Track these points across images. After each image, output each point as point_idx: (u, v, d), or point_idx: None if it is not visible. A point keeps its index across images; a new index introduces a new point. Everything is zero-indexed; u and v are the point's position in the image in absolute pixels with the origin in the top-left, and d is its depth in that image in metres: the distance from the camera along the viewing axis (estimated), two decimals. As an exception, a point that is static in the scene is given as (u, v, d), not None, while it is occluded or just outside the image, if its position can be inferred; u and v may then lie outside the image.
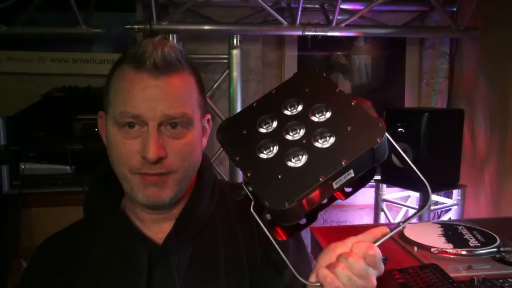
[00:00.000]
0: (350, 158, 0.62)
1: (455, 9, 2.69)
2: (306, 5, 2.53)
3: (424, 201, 0.69)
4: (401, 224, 0.72)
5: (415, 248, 1.41)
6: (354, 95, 0.69)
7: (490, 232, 1.50)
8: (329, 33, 2.44)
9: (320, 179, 0.62)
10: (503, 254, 1.33)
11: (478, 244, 1.41)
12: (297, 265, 0.71)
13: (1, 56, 2.64)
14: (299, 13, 2.36)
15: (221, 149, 2.52)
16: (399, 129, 2.19)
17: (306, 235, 1.56)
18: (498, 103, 2.37)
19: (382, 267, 0.66)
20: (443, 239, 1.47)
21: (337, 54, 2.91)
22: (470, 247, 1.40)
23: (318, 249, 1.57)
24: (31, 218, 2.21)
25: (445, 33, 2.70)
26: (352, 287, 0.64)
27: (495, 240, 1.42)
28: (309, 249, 1.65)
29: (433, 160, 2.14)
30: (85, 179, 2.10)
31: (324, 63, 2.91)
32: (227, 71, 2.51)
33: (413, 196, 2.61)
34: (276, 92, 0.74)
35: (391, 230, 0.68)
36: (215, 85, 2.58)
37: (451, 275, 1.19)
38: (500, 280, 1.17)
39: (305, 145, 0.66)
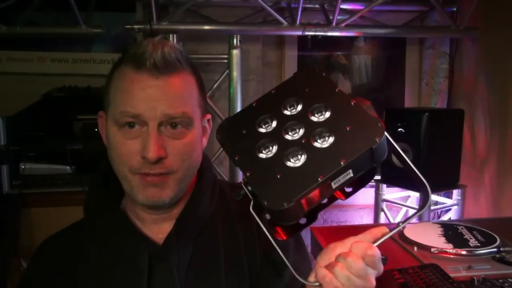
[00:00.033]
0: (349, 158, 0.62)
1: (455, 9, 2.69)
2: (306, 5, 2.53)
3: (424, 201, 0.69)
4: (400, 224, 0.72)
5: (415, 248, 1.41)
6: (354, 95, 0.69)
7: (490, 232, 1.50)
8: (329, 33, 2.44)
9: (319, 179, 0.62)
10: (503, 254, 1.33)
11: (478, 244, 1.41)
12: (297, 265, 0.71)
13: (1, 56, 2.65)
14: (299, 13, 2.36)
15: (221, 149, 2.52)
16: (399, 129, 2.19)
17: (306, 235, 1.57)
18: (498, 103, 2.37)
19: (381, 267, 0.66)
20: (443, 239, 1.47)
21: (337, 54, 2.92)
22: (470, 247, 1.40)
23: (318, 249, 1.57)
24: (31, 218, 2.21)
25: (445, 33, 2.70)
26: (351, 287, 0.63)
27: (495, 240, 1.42)
28: (309, 249, 1.65)
29: (433, 160, 2.14)
30: (85, 179, 2.10)
31: (324, 63, 2.91)
32: (227, 71, 2.51)
33: (413, 196, 2.61)
34: (275, 92, 0.74)
35: (391, 230, 0.68)
36: (215, 85, 2.58)
37: (451, 275, 1.19)
38: (500, 280, 1.17)
39: (304, 145, 0.66)
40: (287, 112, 0.70)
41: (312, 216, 0.72)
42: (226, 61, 2.50)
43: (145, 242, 0.84)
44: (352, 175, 0.63)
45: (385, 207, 2.51)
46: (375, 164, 0.65)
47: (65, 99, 2.44)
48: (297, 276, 0.67)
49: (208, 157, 0.95)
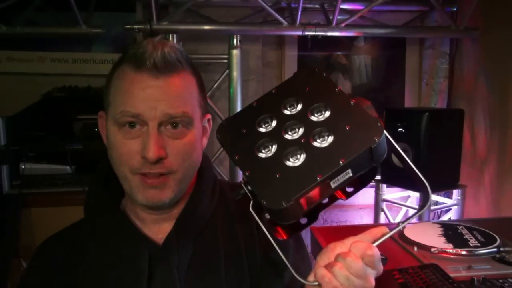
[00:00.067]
0: (348, 157, 0.62)
1: (455, 9, 2.69)
2: (306, 5, 2.53)
3: (424, 201, 0.69)
4: (400, 224, 0.72)
5: (415, 248, 1.41)
6: (354, 95, 0.69)
7: (490, 232, 1.50)
8: (329, 33, 2.44)
9: (318, 178, 0.62)
10: (503, 254, 1.33)
11: (478, 244, 1.41)
12: (296, 265, 0.71)
13: (1, 56, 2.65)
14: (299, 13, 2.36)
15: (221, 149, 2.52)
16: (399, 129, 2.19)
17: (306, 235, 1.56)
18: (498, 103, 2.37)
19: (380, 267, 0.66)
20: (443, 239, 1.47)
21: (337, 54, 2.92)
22: (470, 247, 1.40)
23: (318, 249, 1.57)
24: (31, 218, 2.22)
25: (445, 33, 2.70)
26: (350, 287, 0.63)
27: (495, 240, 1.42)
28: (309, 249, 1.65)
29: (433, 160, 2.14)
30: (85, 179, 2.10)
31: (324, 63, 2.91)
32: (227, 71, 2.51)
33: (413, 196, 2.61)
34: (276, 92, 0.74)
35: (391, 230, 0.68)
36: (215, 85, 2.58)
37: (451, 275, 1.19)
38: (500, 280, 1.17)
39: (303, 145, 0.66)
40: (287, 112, 0.70)
41: (312, 216, 0.72)
42: (226, 61, 2.50)
43: (145, 242, 0.84)
44: (351, 174, 0.63)
45: (385, 207, 2.51)
46: (374, 164, 0.65)
47: (65, 99, 2.44)
48: (297, 276, 0.67)
49: (208, 157, 0.95)
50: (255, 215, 0.68)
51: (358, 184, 0.71)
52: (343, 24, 2.44)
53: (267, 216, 0.67)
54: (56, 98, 2.43)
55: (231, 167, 2.57)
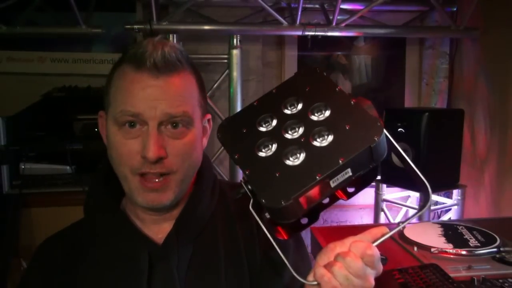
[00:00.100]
0: (347, 156, 0.62)
1: (455, 9, 2.69)
2: (306, 5, 2.53)
3: (424, 201, 0.69)
4: (400, 224, 0.72)
5: (415, 248, 1.41)
6: (354, 95, 0.69)
7: (490, 232, 1.50)
8: (329, 33, 2.44)
9: (317, 177, 0.62)
10: (503, 254, 1.33)
11: (478, 244, 1.41)
12: (296, 264, 0.71)
13: (1, 56, 2.65)
14: (299, 13, 2.36)
15: (221, 149, 2.52)
16: (399, 129, 2.19)
17: (306, 235, 1.57)
18: (498, 103, 2.37)
19: (380, 267, 0.66)
20: (443, 239, 1.47)
21: (337, 54, 2.92)
22: (470, 247, 1.40)
23: (318, 249, 1.57)
24: (31, 218, 2.21)
25: (445, 33, 2.70)
26: (349, 287, 0.63)
27: (495, 240, 1.42)
28: (309, 249, 1.65)
29: (433, 160, 2.14)
30: (85, 179, 2.10)
31: (324, 63, 2.91)
32: (227, 71, 2.51)
33: (413, 196, 2.61)
34: (276, 91, 0.74)
35: (391, 230, 0.68)
36: (215, 85, 2.58)
37: (451, 275, 1.19)
38: (500, 280, 1.17)
39: (303, 144, 0.66)
40: (287, 111, 0.70)
41: (313, 216, 0.72)
42: (226, 61, 2.50)
43: (145, 242, 0.84)
44: (350, 174, 0.63)
45: (385, 207, 2.51)
46: (374, 164, 0.65)
47: (65, 99, 2.44)
48: (296, 275, 0.67)
49: (208, 157, 0.95)
50: (255, 214, 0.68)
51: (359, 184, 0.71)
52: (343, 24, 2.44)
53: (267, 215, 0.67)
54: (56, 98, 2.43)
55: (231, 167, 2.58)
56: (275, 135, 0.68)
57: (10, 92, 2.59)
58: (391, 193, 2.53)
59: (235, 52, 2.46)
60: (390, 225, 2.10)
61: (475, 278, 1.18)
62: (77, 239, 0.88)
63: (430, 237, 1.49)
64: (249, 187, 0.67)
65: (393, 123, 2.20)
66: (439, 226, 1.60)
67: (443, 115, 2.33)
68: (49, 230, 0.93)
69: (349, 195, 0.73)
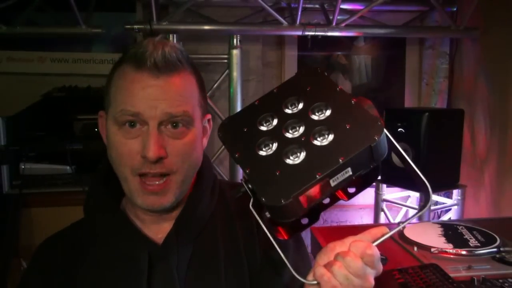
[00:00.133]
0: (347, 156, 0.62)
1: (455, 9, 2.69)
2: (306, 5, 2.53)
3: (425, 200, 0.69)
4: (401, 224, 0.72)
5: (415, 248, 1.41)
6: (354, 95, 0.69)
7: (490, 232, 1.50)
8: (329, 33, 2.44)
9: (317, 176, 0.62)
10: (503, 254, 1.33)
11: (478, 244, 1.41)
12: (296, 264, 0.71)
13: (1, 56, 2.65)
14: (299, 13, 2.36)
15: (221, 149, 2.52)
16: (399, 129, 2.19)
17: (306, 235, 1.57)
18: (498, 103, 2.37)
19: (380, 267, 0.66)
20: (443, 239, 1.47)
21: (337, 54, 2.92)
22: (470, 247, 1.40)
23: (318, 249, 1.57)
24: (31, 218, 2.21)
25: (445, 33, 2.70)
26: (349, 286, 0.63)
27: (495, 240, 1.42)
28: (309, 249, 1.65)
29: (433, 160, 2.15)
30: (85, 179, 2.10)
31: (324, 63, 2.91)
32: (227, 71, 2.51)
33: (413, 196, 2.61)
34: (277, 91, 0.74)
35: (391, 230, 0.68)
36: (215, 85, 2.58)
37: (451, 275, 1.19)
38: (500, 280, 1.17)
39: (303, 143, 0.66)
40: (288, 111, 0.70)
41: (314, 216, 0.72)
42: (226, 61, 2.50)
43: (145, 242, 0.84)
44: (351, 173, 0.63)
45: (385, 207, 2.51)
46: (375, 163, 0.65)
47: (65, 99, 2.44)
48: (296, 275, 0.67)
49: (208, 157, 0.95)
50: (255, 213, 0.68)
51: (360, 184, 0.71)
52: (343, 24, 2.44)
53: (267, 214, 0.67)
54: (56, 98, 2.43)
55: (231, 167, 2.58)
56: (276, 134, 0.68)
57: (10, 92, 2.59)
58: (391, 193, 2.53)
59: (235, 52, 2.46)
60: (390, 225, 2.10)
61: (475, 278, 1.18)
62: (77, 239, 0.88)
63: (430, 237, 1.49)
64: (250, 186, 0.67)
65: (393, 123, 2.20)
66: (439, 226, 1.60)
67: (443, 115, 2.33)
68: (49, 230, 0.92)
69: (350, 196, 0.73)
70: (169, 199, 0.81)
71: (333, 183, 0.63)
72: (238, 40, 2.45)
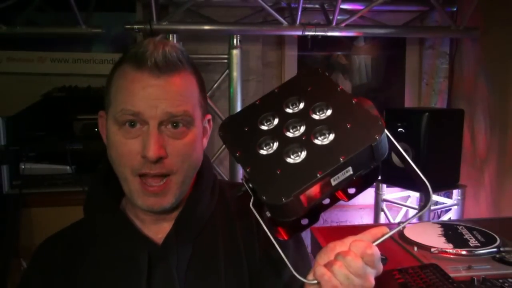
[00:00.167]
0: (348, 155, 0.62)
1: (455, 9, 2.69)
2: (306, 5, 2.53)
3: (425, 200, 0.69)
4: (401, 224, 0.72)
5: (415, 248, 1.41)
6: (355, 95, 0.69)
7: (490, 232, 1.50)
8: (329, 33, 2.44)
9: (318, 175, 0.62)
10: (503, 254, 1.33)
11: (478, 244, 1.41)
12: (296, 264, 0.71)
13: (1, 56, 2.65)
14: (299, 13, 2.36)
15: (221, 149, 2.52)
16: (399, 129, 2.19)
17: (306, 235, 1.56)
18: (498, 103, 2.38)
19: (380, 267, 0.66)
20: (443, 239, 1.47)
21: (337, 54, 2.92)
22: (470, 247, 1.40)
23: (318, 249, 1.57)
24: (31, 218, 2.21)
25: (445, 33, 2.70)
26: (349, 286, 0.63)
27: (495, 240, 1.42)
28: (309, 249, 1.65)
29: (433, 160, 2.15)
30: (85, 179, 2.10)
31: (324, 63, 2.91)
32: (227, 71, 2.51)
33: (413, 196, 2.61)
34: (278, 91, 0.74)
35: (391, 230, 0.68)
36: (215, 85, 2.58)
37: (451, 275, 1.19)
38: (500, 280, 1.17)
39: (304, 142, 0.66)
40: (289, 110, 0.71)
41: (313, 216, 0.72)
42: (226, 61, 2.50)
43: (145, 242, 0.84)
44: (351, 172, 0.64)
45: (385, 207, 2.51)
46: (375, 163, 0.65)
47: (65, 99, 2.44)
48: (296, 274, 0.67)
49: (208, 157, 0.95)
50: (255, 212, 0.68)
51: (360, 185, 0.71)
52: (343, 24, 2.44)
53: (268, 214, 0.67)
54: (56, 98, 2.43)
55: (231, 167, 2.57)
56: (277, 133, 0.69)
57: (10, 92, 2.58)
58: (391, 193, 2.53)
59: (235, 52, 2.46)
60: (390, 225, 2.10)
61: (475, 278, 1.18)
62: (77, 239, 0.88)
63: (430, 237, 1.49)
64: (250, 185, 0.67)
65: (393, 123, 2.20)
66: (439, 226, 1.60)
67: (443, 115, 2.33)
68: (49, 230, 0.92)
69: (350, 197, 0.73)
70: (169, 200, 0.81)
71: (334, 182, 0.63)
72: (238, 40, 2.45)
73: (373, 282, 0.65)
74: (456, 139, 2.28)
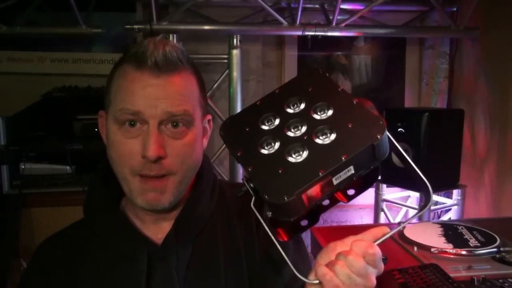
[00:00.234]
0: (350, 154, 0.63)
1: (455, 9, 2.69)
2: (306, 5, 2.53)
3: (425, 200, 0.69)
4: (401, 224, 0.72)
5: (415, 248, 1.41)
6: (355, 95, 0.69)
7: (490, 232, 1.50)
8: (329, 33, 2.44)
9: (320, 173, 0.62)
10: (503, 254, 1.33)
11: (478, 244, 1.41)
12: (297, 264, 0.71)
13: (1, 56, 2.64)
14: (299, 13, 2.36)
15: (221, 149, 2.52)
16: (399, 129, 2.19)
17: (306, 235, 1.56)
18: (498, 103, 2.38)
19: (381, 266, 0.66)
20: (443, 239, 1.47)
21: (337, 54, 2.92)
22: (470, 247, 1.40)
23: (318, 249, 1.57)
24: (31, 218, 2.21)
25: (445, 33, 2.70)
26: (351, 286, 0.63)
27: (495, 240, 1.42)
28: (309, 249, 1.65)
29: (433, 160, 2.15)
30: (85, 179, 2.10)
31: (324, 63, 2.91)
32: (227, 71, 2.51)
33: (413, 196, 2.61)
34: (279, 91, 0.75)
35: (391, 230, 0.68)
36: (215, 85, 2.58)
37: (451, 275, 1.19)
38: (500, 280, 1.17)
39: (306, 141, 0.66)
40: (290, 110, 0.71)
41: (313, 217, 0.72)
42: (226, 61, 2.50)
43: (144, 242, 0.84)
44: (353, 171, 0.64)
45: (385, 207, 2.51)
46: (376, 163, 0.65)
47: (65, 99, 2.43)
48: (297, 274, 0.67)
49: (208, 157, 0.95)
50: (256, 212, 0.68)
51: (360, 186, 0.72)
52: (343, 24, 2.44)
53: (269, 214, 0.67)
54: (56, 98, 2.43)
55: (231, 167, 2.57)
56: (278, 133, 0.69)
57: (10, 92, 2.59)
58: (391, 193, 2.53)
59: (235, 52, 2.46)
60: (390, 225, 2.10)
61: (475, 278, 1.18)
62: (76, 239, 0.88)
63: (430, 237, 1.49)
64: (251, 184, 0.67)
65: (393, 123, 2.20)
66: (439, 226, 1.60)
67: (443, 115, 2.33)
68: (49, 230, 0.92)
69: (349, 198, 0.73)
70: (167, 198, 0.81)
71: (335, 181, 0.63)
72: (238, 40, 2.45)
73: (374, 281, 0.65)
74: (456, 139, 2.28)
